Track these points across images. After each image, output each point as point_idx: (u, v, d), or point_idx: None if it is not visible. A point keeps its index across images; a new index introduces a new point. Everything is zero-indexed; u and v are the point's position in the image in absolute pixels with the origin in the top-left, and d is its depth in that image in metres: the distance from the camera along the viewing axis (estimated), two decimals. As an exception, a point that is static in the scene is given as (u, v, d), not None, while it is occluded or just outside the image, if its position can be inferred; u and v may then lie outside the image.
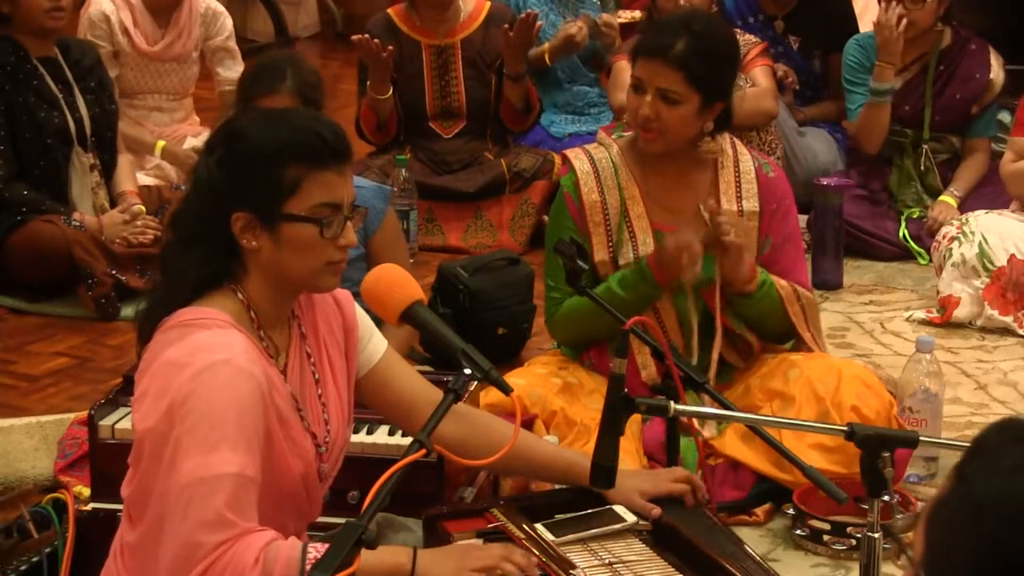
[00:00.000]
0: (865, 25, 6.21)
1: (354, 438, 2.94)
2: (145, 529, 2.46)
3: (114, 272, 4.95)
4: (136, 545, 2.49)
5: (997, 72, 5.51)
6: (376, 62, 5.38)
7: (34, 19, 5.03)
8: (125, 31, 5.68)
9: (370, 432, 3.31)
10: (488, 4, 5.74)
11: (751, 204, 3.70)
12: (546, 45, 6.05)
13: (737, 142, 3.78)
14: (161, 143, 5.68)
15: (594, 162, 3.71)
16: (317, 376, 2.65)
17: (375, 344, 2.80)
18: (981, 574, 1.26)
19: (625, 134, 4.19)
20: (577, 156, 3.74)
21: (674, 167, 3.69)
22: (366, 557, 2.38)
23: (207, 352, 2.41)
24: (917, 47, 5.51)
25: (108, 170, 5.28)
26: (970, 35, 5.55)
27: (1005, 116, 5.61)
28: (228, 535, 2.35)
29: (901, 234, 5.48)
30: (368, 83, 5.49)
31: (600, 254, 3.68)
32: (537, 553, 2.71)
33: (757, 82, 5.53)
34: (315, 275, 2.54)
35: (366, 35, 5.39)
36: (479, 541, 2.78)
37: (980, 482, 1.29)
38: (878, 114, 5.45)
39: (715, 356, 3.63)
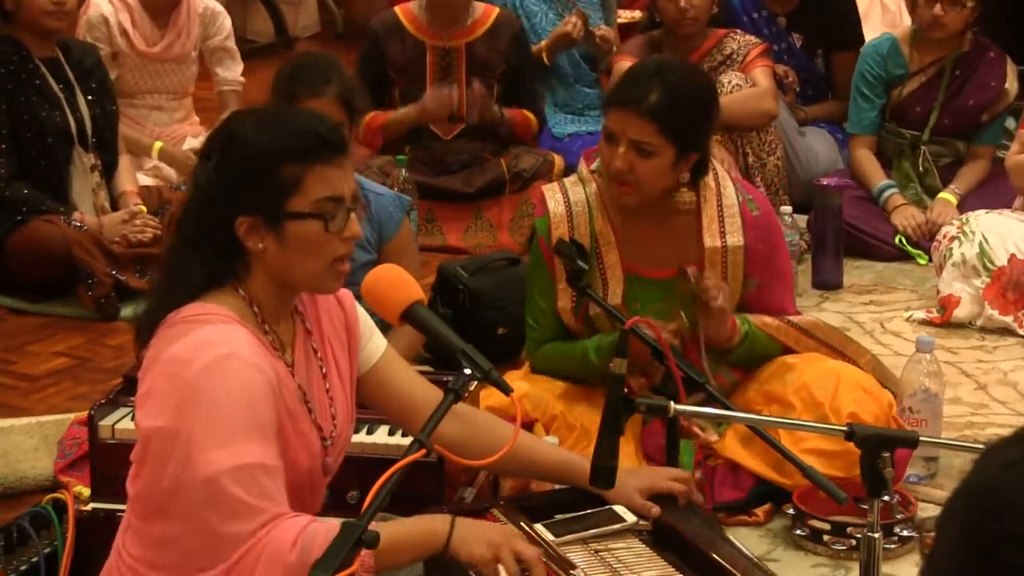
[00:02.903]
0: (868, 30, 6.21)
1: (354, 438, 2.95)
2: (159, 523, 2.46)
3: (114, 272, 4.95)
4: (146, 536, 2.49)
5: (1012, 83, 5.51)
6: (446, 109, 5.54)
7: (36, 19, 5.04)
8: (124, 33, 5.69)
9: (370, 432, 3.31)
10: (496, 11, 5.74)
11: (735, 239, 3.61)
12: (543, 43, 6.06)
13: (720, 172, 3.67)
14: (159, 144, 5.68)
15: (569, 204, 3.63)
16: (324, 370, 2.66)
17: (375, 343, 2.81)
18: (962, 560, 1.28)
19: None
20: (553, 195, 3.66)
21: (652, 210, 3.60)
22: (398, 524, 2.44)
23: (211, 347, 2.42)
24: (938, 50, 5.49)
25: (109, 171, 5.28)
26: (990, 43, 5.53)
27: (1010, 123, 5.60)
28: (260, 521, 2.36)
29: (897, 239, 5.47)
30: (410, 111, 5.57)
31: (563, 301, 3.63)
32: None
33: (757, 82, 5.53)
34: (320, 274, 2.54)
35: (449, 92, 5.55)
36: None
37: (977, 472, 1.32)
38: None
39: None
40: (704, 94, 3.61)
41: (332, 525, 2.35)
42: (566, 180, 3.75)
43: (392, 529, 2.49)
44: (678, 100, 3.46)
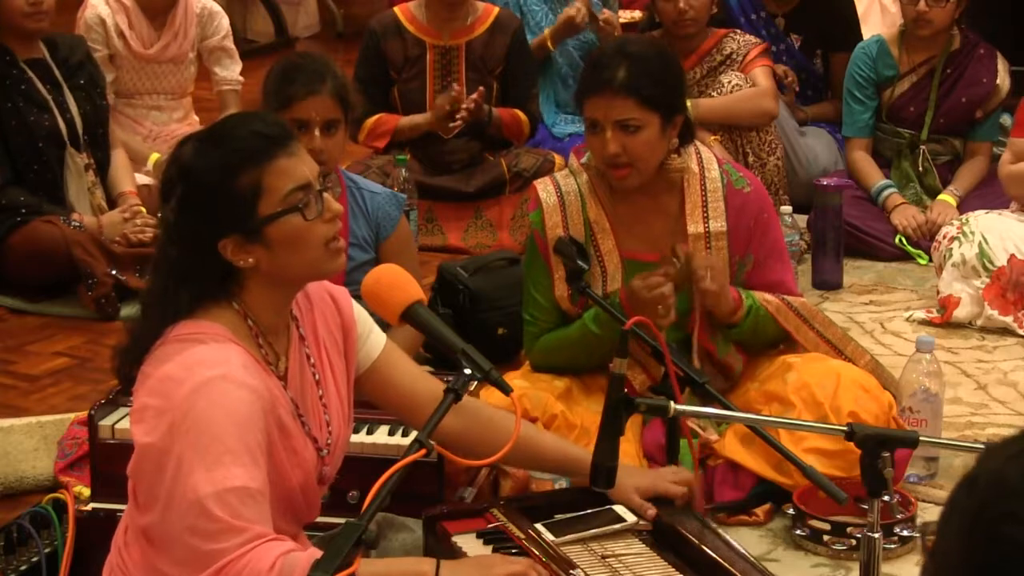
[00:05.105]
0: (867, 31, 6.21)
1: (354, 438, 2.95)
2: (155, 532, 2.47)
3: (114, 272, 4.95)
4: (150, 535, 2.50)
5: (1003, 78, 5.52)
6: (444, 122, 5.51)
7: (14, 21, 5.01)
8: (121, 34, 5.68)
9: (370, 432, 3.31)
10: (496, 10, 5.74)
11: (718, 224, 3.61)
12: (547, 31, 6.05)
13: (704, 155, 3.67)
14: (155, 155, 5.65)
15: (561, 195, 3.64)
16: (317, 377, 2.65)
17: (374, 340, 2.81)
18: (965, 548, 1.29)
19: None
20: (545, 187, 3.67)
21: (644, 193, 3.61)
22: (387, 564, 2.43)
23: (204, 367, 2.42)
24: (927, 49, 5.50)
25: (102, 168, 5.26)
26: (979, 40, 5.54)
27: (1006, 119, 5.60)
28: (241, 539, 2.35)
29: (897, 239, 5.47)
30: (420, 120, 5.55)
31: (560, 289, 3.64)
32: (537, 553, 2.71)
33: (757, 82, 5.53)
34: (318, 261, 2.54)
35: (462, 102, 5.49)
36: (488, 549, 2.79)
37: (981, 464, 1.33)
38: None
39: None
40: (667, 55, 3.65)
41: (313, 554, 2.35)
42: (557, 174, 3.77)
43: (375, 569, 2.49)
44: (646, 68, 3.49)
